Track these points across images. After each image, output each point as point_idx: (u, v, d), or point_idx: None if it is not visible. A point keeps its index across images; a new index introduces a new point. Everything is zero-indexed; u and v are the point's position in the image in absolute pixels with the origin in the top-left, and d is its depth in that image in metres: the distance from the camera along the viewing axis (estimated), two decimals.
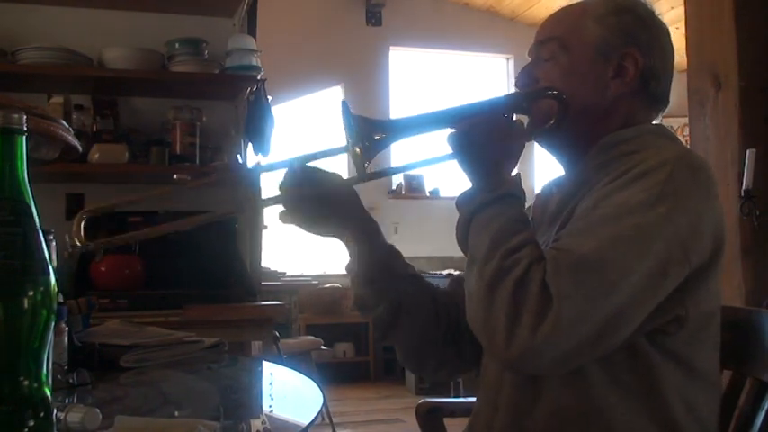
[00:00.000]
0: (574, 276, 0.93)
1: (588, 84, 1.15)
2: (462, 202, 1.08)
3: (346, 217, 1.21)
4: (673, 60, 1.19)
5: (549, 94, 1.14)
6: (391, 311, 1.23)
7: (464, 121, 1.09)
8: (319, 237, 1.24)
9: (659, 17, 1.19)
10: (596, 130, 1.15)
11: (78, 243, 1.04)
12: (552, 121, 1.14)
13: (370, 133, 1.07)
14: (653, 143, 1.11)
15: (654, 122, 1.21)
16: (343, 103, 1.08)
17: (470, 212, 1.06)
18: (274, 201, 1.16)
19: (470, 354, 1.25)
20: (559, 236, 1.02)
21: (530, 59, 1.21)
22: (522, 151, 1.11)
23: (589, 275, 0.93)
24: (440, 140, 1.12)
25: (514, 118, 1.14)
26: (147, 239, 1.22)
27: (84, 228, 1.05)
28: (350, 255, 1.25)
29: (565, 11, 1.21)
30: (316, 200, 1.16)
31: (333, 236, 1.24)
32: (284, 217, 1.16)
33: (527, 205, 1.10)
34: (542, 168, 6.94)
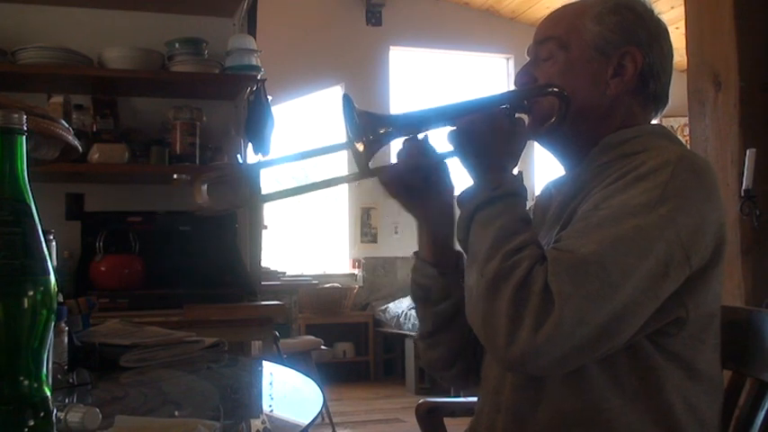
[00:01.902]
0: (575, 277, 0.93)
1: (588, 83, 1.14)
2: (464, 199, 1.07)
3: (440, 199, 1.20)
4: (672, 59, 1.19)
5: (550, 92, 1.14)
6: (454, 308, 1.21)
7: (465, 118, 1.09)
8: (404, 208, 1.22)
9: (658, 15, 1.19)
10: (596, 129, 1.14)
11: (202, 202, 1.10)
12: (554, 119, 1.13)
13: (375, 127, 1.06)
14: (654, 143, 1.10)
15: (654, 122, 1.21)
16: (346, 96, 1.08)
17: (472, 210, 1.05)
18: (378, 172, 1.14)
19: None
20: (560, 236, 1.01)
21: (528, 59, 1.21)
22: (523, 148, 1.11)
23: (590, 277, 0.93)
24: (441, 139, 1.11)
25: (516, 116, 1.14)
26: (147, 238, 1.23)
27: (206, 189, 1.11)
28: (426, 241, 1.23)
29: (563, 10, 1.21)
30: (425, 173, 1.15)
31: (416, 213, 1.22)
32: (386, 177, 1.15)
33: (528, 205, 1.09)
34: (542, 168, 6.94)
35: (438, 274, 1.22)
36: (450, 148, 1.12)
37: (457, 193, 1.13)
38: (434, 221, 1.22)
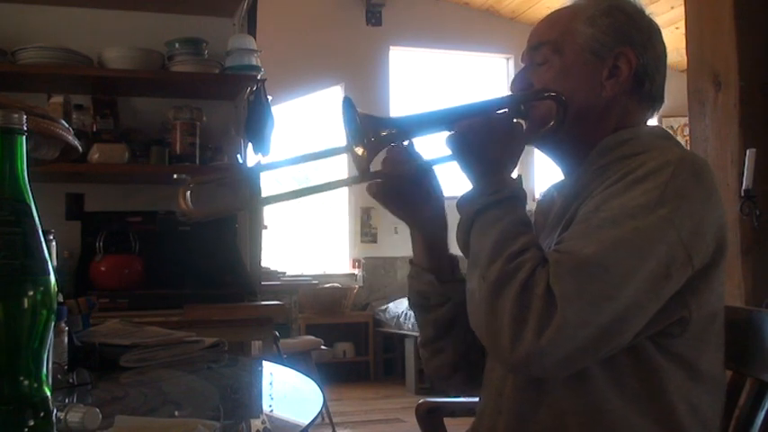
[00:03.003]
0: (577, 280, 0.93)
1: (583, 85, 1.14)
2: (463, 203, 1.08)
3: (431, 205, 1.20)
4: (666, 58, 1.19)
5: (547, 96, 1.14)
6: (456, 311, 1.21)
7: (463, 123, 1.09)
8: (398, 217, 1.22)
9: (650, 16, 1.19)
10: (594, 131, 1.14)
11: (186, 209, 1.08)
12: (552, 123, 1.13)
13: (376, 129, 1.06)
14: (653, 144, 1.10)
15: (650, 122, 1.21)
16: (347, 99, 1.08)
17: (472, 214, 1.05)
18: (376, 175, 1.13)
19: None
20: (561, 239, 1.01)
21: (523, 65, 1.21)
22: (522, 152, 1.11)
23: (592, 279, 0.93)
24: (439, 142, 1.11)
25: (514, 121, 1.14)
26: (147, 238, 1.22)
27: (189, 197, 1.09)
28: (420, 247, 1.24)
29: (556, 14, 1.21)
30: (412, 181, 1.16)
31: (409, 221, 1.22)
32: (374, 190, 1.16)
33: (528, 210, 1.09)
34: (542, 171, 6.93)
35: (435, 280, 1.23)
36: (440, 152, 1.12)
37: (448, 195, 1.13)
38: (427, 227, 1.22)
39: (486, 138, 1.07)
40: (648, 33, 1.17)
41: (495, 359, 1.12)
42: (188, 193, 1.08)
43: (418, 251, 1.25)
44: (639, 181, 1.00)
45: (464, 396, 1.48)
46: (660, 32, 1.19)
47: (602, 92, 1.14)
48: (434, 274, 1.23)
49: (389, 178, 1.15)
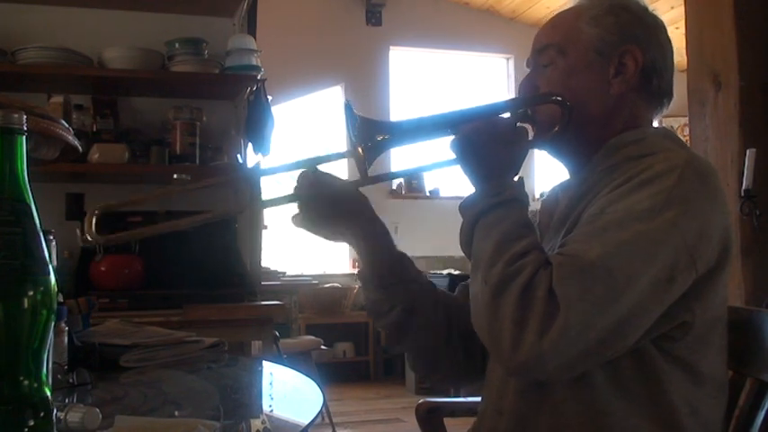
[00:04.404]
0: (580, 282, 0.92)
1: (590, 85, 1.14)
2: (466, 206, 1.08)
3: (359, 219, 1.20)
4: (672, 54, 1.19)
5: (552, 100, 1.13)
6: (404, 315, 1.22)
7: (466, 126, 1.09)
8: (331, 240, 1.23)
9: (653, 12, 1.19)
10: (601, 131, 1.14)
11: (90, 238, 1.03)
12: (557, 128, 1.13)
13: (373, 134, 1.06)
14: (659, 146, 1.10)
15: (656, 122, 1.21)
16: (347, 104, 1.08)
17: (474, 217, 1.05)
18: (287, 200, 1.15)
19: (481, 362, 1.25)
20: (566, 241, 1.01)
21: (528, 69, 1.21)
22: (525, 156, 1.11)
23: (596, 281, 0.92)
24: (441, 145, 1.12)
25: (518, 124, 1.14)
26: (147, 238, 1.21)
27: (96, 224, 1.04)
28: (362, 259, 1.24)
29: (559, 16, 1.21)
30: (329, 201, 1.15)
31: (344, 239, 1.23)
32: (297, 220, 1.16)
33: (531, 210, 1.09)
34: (543, 172, 6.93)
35: (379, 287, 1.23)
36: (439, 156, 1.12)
37: (448, 195, 1.13)
38: (363, 238, 1.21)
39: (489, 141, 1.07)
40: (653, 30, 1.17)
41: (497, 362, 1.12)
42: (93, 219, 1.04)
43: (362, 261, 1.25)
44: (645, 184, 0.99)
45: (455, 388, 1.50)
46: (665, 29, 1.19)
47: (610, 90, 1.14)
48: (378, 282, 1.23)
49: (307, 202, 1.14)
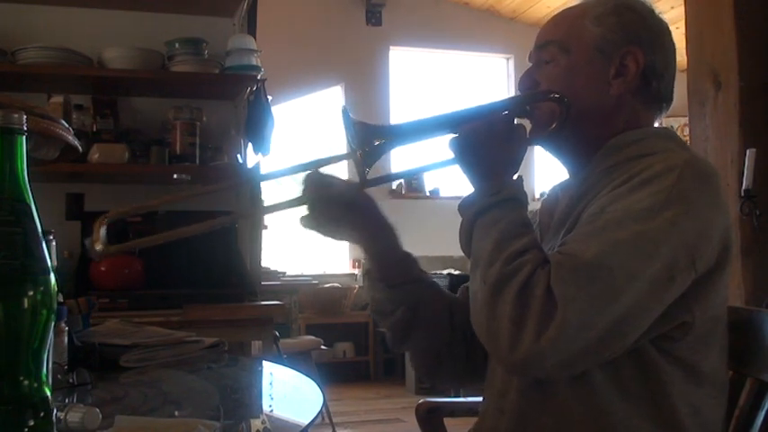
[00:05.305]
0: (579, 281, 0.92)
1: (590, 84, 1.14)
2: (464, 206, 1.08)
3: (366, 219, 1.20)
4: (675, 58, 1.18)
5: (550, 98, 1.13)
6: (408, 315, 1.23)
7: (465, 126, 1.09)
8: (338, 240, 1.24)
9: (659, 15, 1.19)
10: (600, 131, 1.14)
11: (100, 250, 1.03)
12: (554, 125, 1.13)
13: (370, 139, 1.07)
14: (660, 146, 1.09)
15: (657, 123, 1.21)
16: (344, 109, 1.08)
17: (473, 216, 1.05)
18: (295, 203, 1.15)
19: (483, 362, 1.24)
20: (565, 240, 1.01)
21: (530, 64, 1.21)
22: (524, 155, 1.11)
23: (594, 281, 0.92)
24: (440, 145, 1.12)
25: (516, 122, 1.13)
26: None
27: (105, 233, 1.03)
28: (368, 258, 1.24)
29: (563, 13, 1.20)
30: (336, 202, 1.16)
31: (352, 239, 1.24)
32: (306, 221, 1.16)
33: (531, 210, 1.09)
34: (543, 172, 6.93)
35: (386, 287, 1.23)
36: (437, 157, 1.11)
37: (446, 194, 1.14)
38: (370, 238, 1.22)
39: (487, 140, 1.07)
40: (658, 32, 1.16)
41: (495, 361, 1.12)
42: (102, 230, 1.04)
43: (369, 261, 1.25)
44: (645, 184, 0.99)
45: (458, 387, 1.51)
46: (669, 31, 1.19)
47: (609, 90, 1.13)
48: (384, 282, 1.23)
49: (315, 203, 1.15)
